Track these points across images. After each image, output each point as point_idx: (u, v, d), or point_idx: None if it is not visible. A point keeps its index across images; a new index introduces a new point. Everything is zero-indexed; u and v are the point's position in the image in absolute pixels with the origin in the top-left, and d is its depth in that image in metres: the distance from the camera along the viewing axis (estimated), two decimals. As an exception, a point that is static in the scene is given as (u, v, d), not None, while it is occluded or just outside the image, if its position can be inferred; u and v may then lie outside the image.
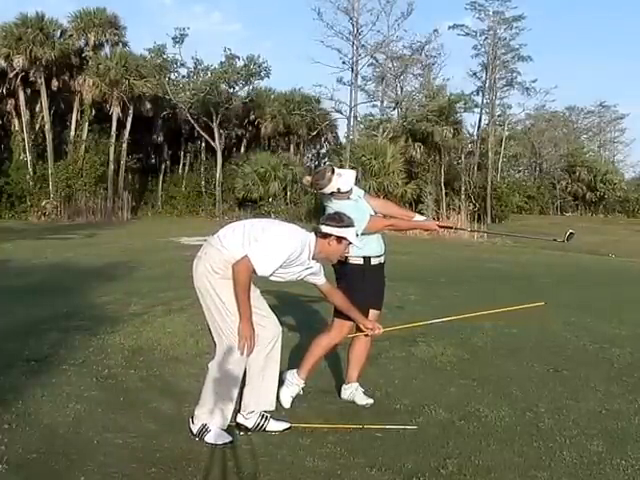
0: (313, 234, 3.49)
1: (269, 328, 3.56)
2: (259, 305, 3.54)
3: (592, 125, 56.85)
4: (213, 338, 3.53)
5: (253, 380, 3.52)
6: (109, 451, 3.19)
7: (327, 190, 3.84)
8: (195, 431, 3.40)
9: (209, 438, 3.35)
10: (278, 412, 3.79)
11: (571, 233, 4.18)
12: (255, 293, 3.53)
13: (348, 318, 3.93)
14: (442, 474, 3.06)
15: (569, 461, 3.23)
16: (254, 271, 3.30)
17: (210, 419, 3.38)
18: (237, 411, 3.53)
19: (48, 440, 3.29)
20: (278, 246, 3.35)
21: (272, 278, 3.46)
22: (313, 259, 3.49)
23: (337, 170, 3.86)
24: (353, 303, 3.89)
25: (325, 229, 3.46)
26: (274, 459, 3.18)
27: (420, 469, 3.09)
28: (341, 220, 3.48)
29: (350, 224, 3.48)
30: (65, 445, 3.24)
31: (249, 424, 3.51)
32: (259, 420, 3.52)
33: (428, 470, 3.08)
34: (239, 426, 3.51)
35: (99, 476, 2.93)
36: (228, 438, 3.36)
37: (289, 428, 3.54)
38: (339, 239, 3.46)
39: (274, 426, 3.54)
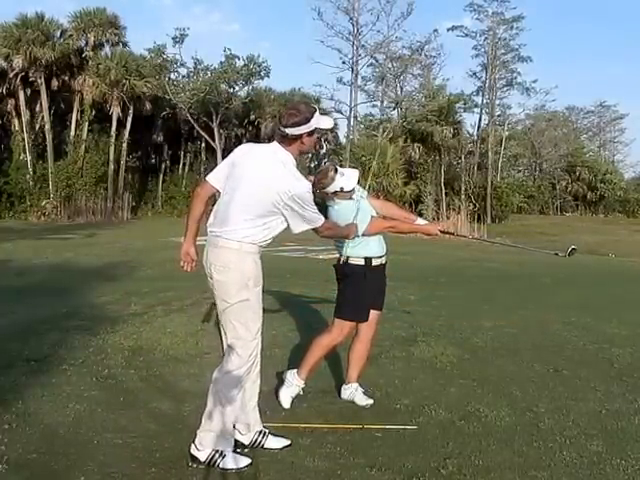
0: (277, 145, 3.15)
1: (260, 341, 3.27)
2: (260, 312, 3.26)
3: (592, 125, 56.99)
4: (222, 345, 3.24)
5: (250, 396, 3.29)
6: (109, 451, 3.19)
7: (330, 189, 3.83)
8: (204, 459, 3.06)
9: (227, 464, 3.05)
10: (278, 412, 3.79)
11: (573, 249, 4.18)
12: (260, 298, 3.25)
13: (349, 318, 3.93)
14: (442, 474, 3.06)
15: (569, 461, 3.23)
16: (324, 221, 3.26)
17: (220, 442, 3.08)
18: (232, 427, 3.29)
19: (48, 440, 3.29)
20: (309, 196, 3.12)
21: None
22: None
23: (340, 169, 3.85)
24: (355, 304, 3.90)
25: (293, 131, 3.08)
26: (274, 459, 3.17)
27: (420, 469, 3.09)
28: (300, 112, 3.09)
29: (311, 110, 3.13)
30: (65, 445, 3.24)
31: (246, 440, 3.30)
32: (257, 436, 3.32)
33: (428, 470, 3.08)
34: (235, 443, 3.29)
35: (99, 476, 2.93)
36: (248, 460, 3.10)
37: (289, 445, 3.32)
38: (310, 133, 3.14)
39: (273, 443, 3.32)
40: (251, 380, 3.25)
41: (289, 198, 3.03)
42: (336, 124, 39.09)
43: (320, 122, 3.14)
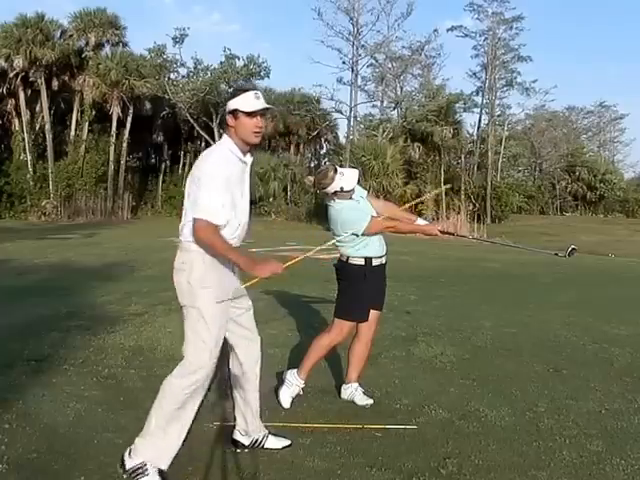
0: (225, 136, 3.01)
1: (253, 353, 3.19)
2: (246, 325, 3.17)
3: (592, 125, 56.89)
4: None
5: (249, 405, 3.25)
6: (109, 451, 3.19)
7: (330, 189, 3.83)
8: (129, 466, 2.86)
9: None
10: (278, 412, 3.79)
11: (573, 249, 4.18)
12: (244, 309, 3.17)
13: (349, 319, 3.93)
14: (442, 474, 3.06)
15: (569, 461, 3.24)
16: (214, 224, 2.81)
17: (154, 457, 2.87)
18: (233, 427, 3.32)
19: (48, 440, 3.29)
20: (209, 179, 2.82)
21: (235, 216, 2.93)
22: (245, 156, 2.98)
23: (340, 169, 3.85)
24: (354, 304, 3.90)
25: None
26: (274, 459, 3.18)
27: (420, 469, 3.09)
28: (233, 92, 3.03)
29: (241, 90, 2.96)
30: (65, 445, 3.24)
31: (246, 441, 3.28)
32: (257, 437, 3.28)
33: (428, 470, 3.08)
34: (235, 443, 3.30)
35: (99, 476, 2.93)
36: None
37: (290, 445, 3.30)
38: (233, 114, 2.92)
39: (273, 443, 3.30)
40: (247, 389, 3.20)
41: (197, 169, 2.90)
42: (336, 124, 39.33)
43: (237, 103, 2.91)
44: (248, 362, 3.19)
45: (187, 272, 2.94)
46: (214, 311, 2.93)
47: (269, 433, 3.34)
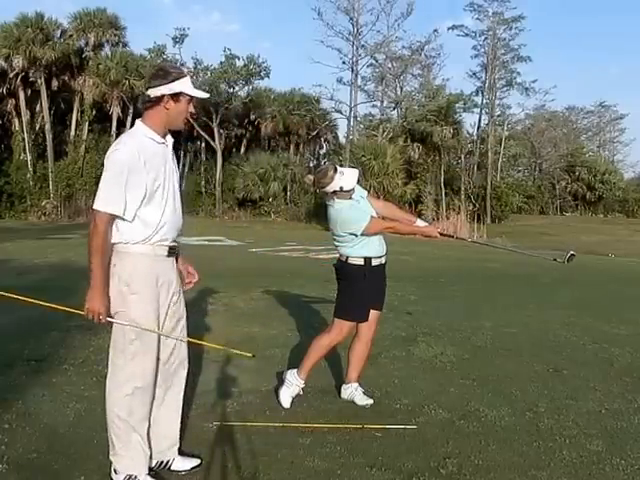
0: (137, 122, 2.81)
1: (175, 354, 2.95)
2: (173, 341, 2.92)
3: (592, 125, 56.85)
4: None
5: (158, 421, 2.97)
6: (109, 451, 3.19)
7: (329, 189, 3.82)
8: None
9: None
10: (278, 412, 3.80)
11: (572, 254, 4.18)
12: (178, 321, 2.94)
13: (349, 319, 3.93)
14: (442, 474, 3.06)
15: (569, 461, 3.24)
16: (113, 217, 2.66)
17: (132, 469, 2.80)
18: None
19: (48, 440, 3.29)
20: (111, 169, 2.66)
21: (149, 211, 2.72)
22: (160, 142, 2.80)
23: (340, 169, 3.85)
24: (354, 304, 3.90)
25: (154, 91, 2.71)
26: (274, 459, 3.17)
27: (420, 469, 3.09)
28: (168, 73, 2.75)
29: (179, 72, 2.77)
30: (65, 445, 3.24)
31: (151, 464, 2.98)
32: (162, 457, 3.01)
33: (428, 470, 3.08)
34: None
35: (99, 476, 2.93)
36: None
37: (198, 466, 3.03)
38: (174, 97, 2.72)
39: (180, 464, 3.01)
40: (162, 410, 2.97)
41: (105, 159, 2.72)
42: (336, 124, 39.30)
43: (186, 87, 2.73)
44: (165, 385, 2.96)
45: (117, 276, 2.75)
46: (146, 317, 2.76)
47: (178, 455, 3.04)
